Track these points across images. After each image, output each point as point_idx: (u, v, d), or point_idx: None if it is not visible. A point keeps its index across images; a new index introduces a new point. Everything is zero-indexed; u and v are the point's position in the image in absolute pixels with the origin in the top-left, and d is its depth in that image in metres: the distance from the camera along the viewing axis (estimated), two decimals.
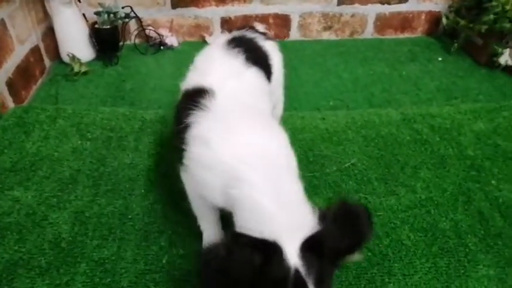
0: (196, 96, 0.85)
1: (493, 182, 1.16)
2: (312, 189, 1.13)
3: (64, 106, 1.42)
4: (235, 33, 1.08)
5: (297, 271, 0.61)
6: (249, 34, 1.08)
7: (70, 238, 0.98)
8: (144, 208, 1.06)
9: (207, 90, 0.85)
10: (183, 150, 0.82)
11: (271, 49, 1.09)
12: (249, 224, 0.68)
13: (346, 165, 1.22)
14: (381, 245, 0.99)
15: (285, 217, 0.66)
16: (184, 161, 0.82)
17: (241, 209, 0.71)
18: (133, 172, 1.16)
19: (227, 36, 1.06)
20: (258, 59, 1.00)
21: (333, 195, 1.12)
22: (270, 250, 0.62)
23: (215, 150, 0.76)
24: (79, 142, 1.25)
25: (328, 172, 1.20)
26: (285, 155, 0.78)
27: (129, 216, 1.04)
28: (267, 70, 1.02)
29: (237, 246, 0.62)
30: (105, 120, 1.34)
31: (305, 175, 1.17)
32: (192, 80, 0.93)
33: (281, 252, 0.62)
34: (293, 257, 0.62)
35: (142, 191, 1.11)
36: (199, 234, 0.97)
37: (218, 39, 1.07)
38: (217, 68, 0.93)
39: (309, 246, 0.63)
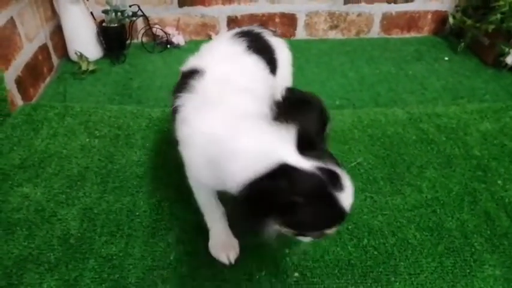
0: (188, 78, 0.85)
1: (499, 182, 1.16)
2: None
3: (72, 104, 1.44)
4: (244, 28, 1.09)
5: (322, 170, 0.63)
6: (257, 29, 1.09)
7: (79, 234, 0.99)
8: (151, 205, 1.07)
9: (198, 72, 0.85)
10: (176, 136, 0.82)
11: (278, 45, 1.09)
12: (241, 169, 0.66)
13: (352, 164, 1.22)
14: (386, 244, 0.99)
15: (262, 141, 0.67)
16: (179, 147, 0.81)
17: (226, 163, 0.69)
18: (141, 170, 1.17)
19: (236, 30, 1.07)
20: (260, 49, 1.00)
21: None
22: (284, 172, 0.62)
23: (193, 126, 0.77)
24: (87, 140, 1.26)
25: None
26: (255, 110, 0.77)
27: (137, 213, 1.05)
28: (270, 62, 1.01)
29: (258, 188, 0.62)
30: (112, 118, 1.35)
31: None
32: (189, 62, 0.94)
33: (294, 167, 0.63)
34: (304, 164, 0.63)
35: (150, 188, 1.12)
36: (206, 233, 0.98)
37: (227, 32, 1.08)
38: (214, 52, 0.95)
39: (304, 147, 0.64)
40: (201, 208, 0.95)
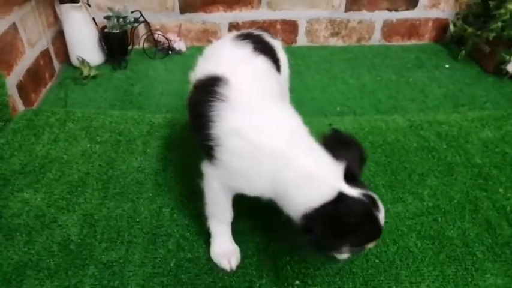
0: (211, 86, 0.86)
1: (500, 190, 1.16)
2: None
3: (73, 109, 1.43)
4: (243, 31, 1.10)
5: (365, 196, 0.76)
6: (256, 31, 1.10)
7: (79, 240, 0.99)
8: (152, 211, 1.07)
9: (221, 79, 0.86)
10: (211, 146, 0.82)
11: (278, 46, 1.11)
12: (303, 192, 0.76)
13: None
14: (388, 252, 0.99)
15: (327, 171, 0.76)
16: (217, 156, 0.82)
17: (293, 184, 0.77)
18: (142, 176, 1.17)
19: (235, 33, 1.08)
20: (265, 50, 1.01)
21: None
22: (343, 199, 0.73)
23: (250, 138, 0.78)
24: (88, 145, 1.26)
25: None
26: (301, 124, 0.85)
27: (137, 220, 1.04)
28: (274, 61, 1.03)
29: (327, 213, 0.73)
30: (114, 123, 1.35)
31: None
32: (203, 68, 0.94)
33: (347, 195, 0.74)
34: (352, 192, 0.75)
35: (151, 194, 1.11)
36: (206, 239, 0.98)
37: (228, 35, 1.09)
38: (227, 56, 0.96)
39: (351, 179, 0.76)
40: (209, 211, 0.94)
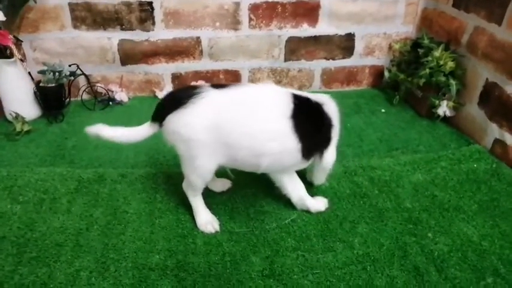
0: (318, 109, 1.22)
1: (429, 234, 1.17)
2: (250, 248, 1.11)
3: None
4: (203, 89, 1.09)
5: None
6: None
7: None
8: (68, 276, 1.00)
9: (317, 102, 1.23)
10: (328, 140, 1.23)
11: None
12: None
13: (286, 221, 1.21)
14: None
15: None
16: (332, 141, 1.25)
17: None
18: (62, 237, 1.11)
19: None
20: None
21: (271, 253, 1.10)
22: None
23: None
24: (9, 206, 1.20)
25: (267, 229, 1.18)
26: None
27: (51, 286, 0.98)
28: None
29: None
30: (40, 181, 1.30)
31: (244, 231, 1.16)
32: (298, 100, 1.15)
33: None
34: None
35: (69, 257, 1.05)
36: None
37: (209, 101, 1.06)
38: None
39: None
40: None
